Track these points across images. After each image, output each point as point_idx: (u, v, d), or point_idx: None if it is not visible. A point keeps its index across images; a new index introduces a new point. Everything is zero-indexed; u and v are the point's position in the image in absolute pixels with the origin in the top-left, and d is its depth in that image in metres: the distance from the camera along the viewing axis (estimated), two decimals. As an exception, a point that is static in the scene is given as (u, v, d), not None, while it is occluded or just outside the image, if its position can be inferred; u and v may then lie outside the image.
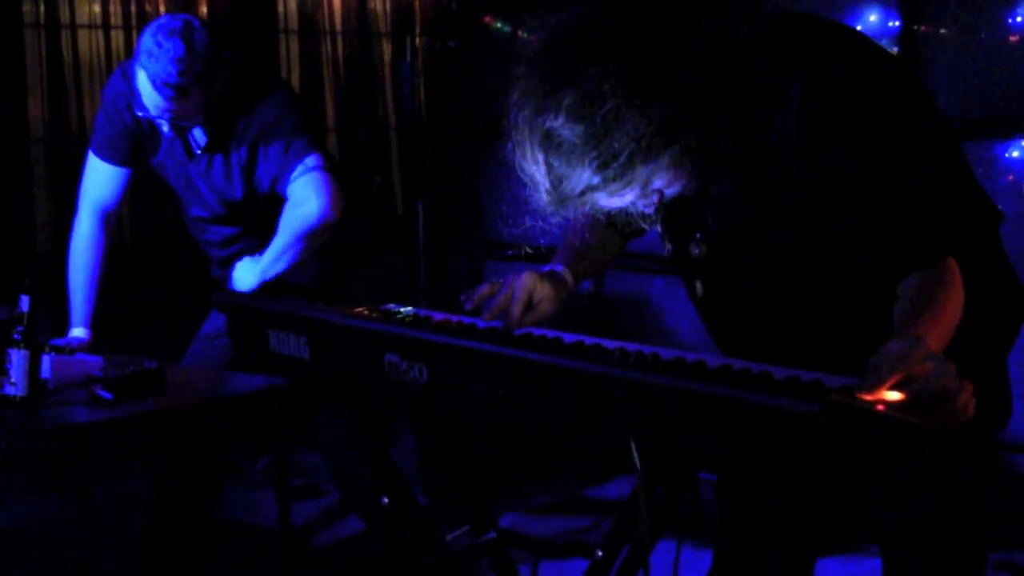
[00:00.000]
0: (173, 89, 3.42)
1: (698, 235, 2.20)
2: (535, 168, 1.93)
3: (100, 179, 3.81)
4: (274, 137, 3.61)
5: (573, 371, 1.89)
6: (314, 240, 3.62)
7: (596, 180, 1.87)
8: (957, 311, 1.92)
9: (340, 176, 3.68)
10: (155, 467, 3.73)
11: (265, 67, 3.80)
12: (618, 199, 1.93)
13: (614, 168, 1.85)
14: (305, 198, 3.59)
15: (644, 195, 1.94)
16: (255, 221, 3.76)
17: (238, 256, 3.83)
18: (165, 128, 3.60)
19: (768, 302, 2.21)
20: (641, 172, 1.87)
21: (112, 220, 3.89)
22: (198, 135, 3.64)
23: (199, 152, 3.67)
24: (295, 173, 3.60)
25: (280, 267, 3.62)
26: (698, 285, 2.27)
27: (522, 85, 1.93)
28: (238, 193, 3.70)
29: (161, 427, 3.27)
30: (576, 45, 1.89)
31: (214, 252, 3.94)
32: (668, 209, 2.08)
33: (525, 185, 1.99)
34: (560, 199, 1.93)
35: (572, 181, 1.89)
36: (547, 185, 1.93)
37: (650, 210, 2.01)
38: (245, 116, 3.63)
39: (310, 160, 3.61)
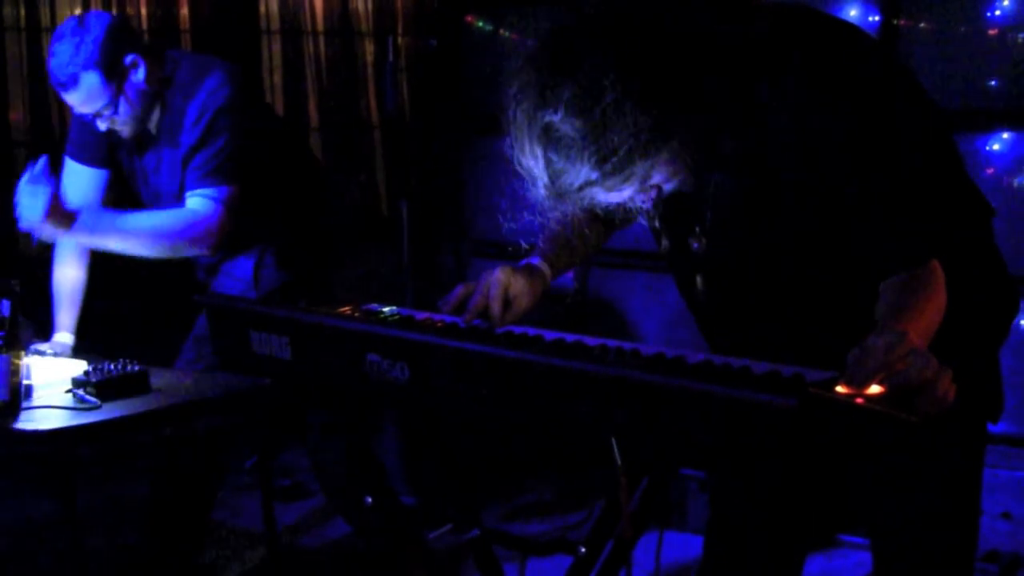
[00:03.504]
0: (58, 87, 3.48)
1: (697, 229, 2.20)
2: (533, 162, 1.92)
3: (78, 182, 3.80)
4: (202, 147, 3.57)
5: (554, 368, 1.89)
6: (161, 251, 3.57)
7: (595, 175, 1.87)
8: (939, 313, 1.92)
9: (232, 216, 3.57)
10: (145, 470, 3.73)
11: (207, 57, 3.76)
12: (616, 194, 1.93)
13: (613, 163, 1.85)
14: (190, 220, 3.53)
15: (643, 190, 1.94)
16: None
17: (223, 261, 3.82)
18: (101, 126, 3.61)
19: (766, 293, 2.21)
20: (640, 167, 1.87)
21: None
22: (141, 130, 3.66)
23: (146, 148, 3.69)
24: (196, 191, 3.56)
25: (112, 244, 3.54)
26: (698, 279, 2.27)
27: (520, 79, 1.92)
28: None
29: (145, 430, 3.26)
30: (575, 39, 1.89)
31: (201, 259, 3.91)
32: (667, 204, 2.08)
33: (510, 182, 1.99)
34: (558, 193, 1.93)
35: (571, 176, 1.89)
36: (545, 179, 1.92)
37: (648, 205, 2.02)
38: (184, 109, 3.60)
39: (215, 192, 3.55)
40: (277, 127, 4.00)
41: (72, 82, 3.45)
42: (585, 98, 1.83)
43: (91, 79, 3.46)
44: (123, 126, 3.60)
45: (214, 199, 3.53)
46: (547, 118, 1.86)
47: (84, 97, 3.49)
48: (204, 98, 3.57)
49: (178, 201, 3.64)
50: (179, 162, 3.61)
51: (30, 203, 3.36)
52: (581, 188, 1.90)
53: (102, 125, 3.59)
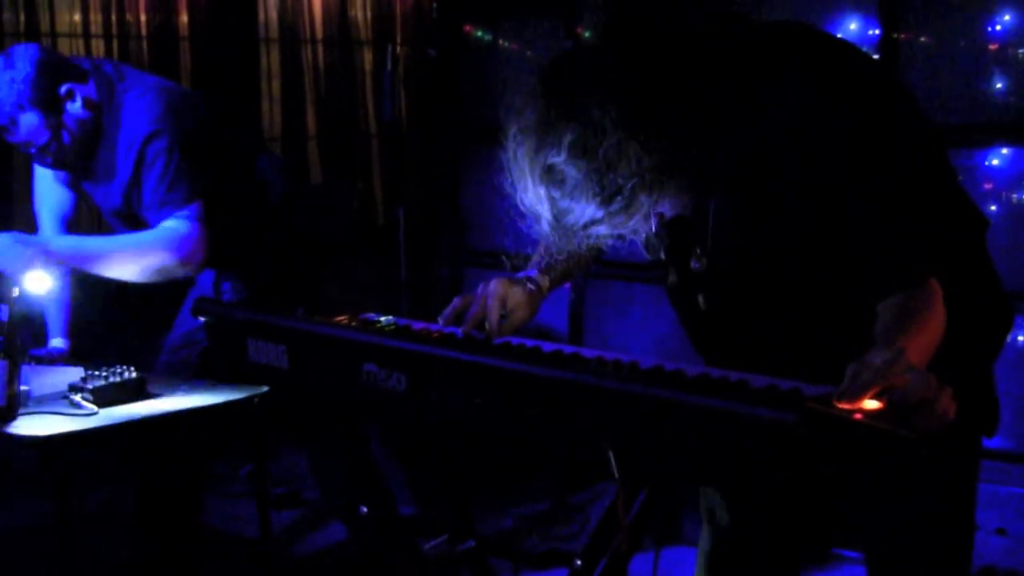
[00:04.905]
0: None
1: (698, 250, 2.19)
2: (537, 202, 1.92)
3: (50, 186, 3.78)
4: (142, 179, 3.50)
5: (551, 380, 1.88)
6: (147, 272, 3.50)
7: (600, 214, 1.87)
8: (938, 331, 1.91)
9: (208, 227, 3.52)
10: (136, 477, 3.72)
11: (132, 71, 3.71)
12: (622, 229, 1.93)
13: (618, 201, 1.84)
14: (174, 237, 3.47)
15: (646, 221, 1.94)
16: None
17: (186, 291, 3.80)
18: (48, 161, 3.57)
19: (766, 295, 2.20)
20: (644, 202, 1.86)
21: (74, 227, 3.87)
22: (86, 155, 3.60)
23: (86, 173, 3.65)
24: (165, 220, 3.50)
25: (84, 265, 3.47)
26: (700, 299, 2.26)
27: (520, 120, 1.91)
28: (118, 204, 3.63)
29: (142, 436, 3.26)
30: (574, 79, 1.88)
31: None
32: (670, 229, 2.07)
33: (507, 195, 1.98)
34: (563, 232, 1.92)
35: (575, 215, 1.88)
36: (549, 218, 1.92)
37: (651, 233, 2.01)
38: (116, 135, 3.54)
39: (184, 212, 3.49)
40: (220, 140, 3.82)
41: (12, 125, 3.40)
42: (588, 139, 1.82)
43: (30, 118, 3.40)
44: (70, 155, 3.55)
45: (186, 218, 3.48)
46: (550, 159, 1.86)
47: (26, 136, 3.43)
48: (132, 125, 3.51)
49: (121, 221, 3.64)
50: (116, 190, 3.57)
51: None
52: (586, 226, 1.89)
53: (48, 160, 3.55)
